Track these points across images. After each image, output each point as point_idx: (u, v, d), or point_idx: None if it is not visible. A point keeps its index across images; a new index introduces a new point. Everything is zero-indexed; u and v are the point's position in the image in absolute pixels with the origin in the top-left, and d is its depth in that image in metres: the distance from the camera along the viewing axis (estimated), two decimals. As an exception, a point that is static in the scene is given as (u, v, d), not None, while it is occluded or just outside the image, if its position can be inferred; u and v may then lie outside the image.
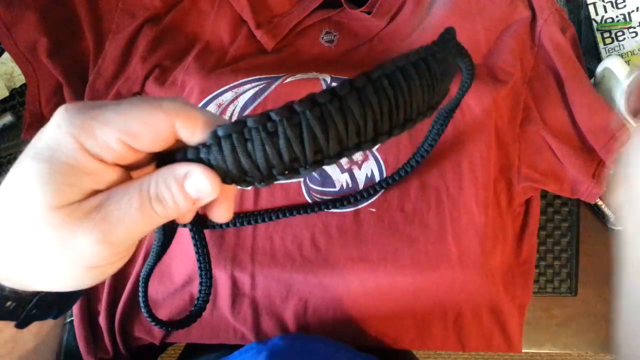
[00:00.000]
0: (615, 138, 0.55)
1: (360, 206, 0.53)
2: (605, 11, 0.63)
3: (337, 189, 0.54)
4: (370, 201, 0.53)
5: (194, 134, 0.22)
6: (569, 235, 0.64)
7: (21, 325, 0.26)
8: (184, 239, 0.53)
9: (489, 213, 0.54)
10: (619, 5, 0.63)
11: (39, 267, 0.22)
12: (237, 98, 0.54)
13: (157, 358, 0.63)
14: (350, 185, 0.54)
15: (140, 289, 0.36)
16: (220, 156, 0.21)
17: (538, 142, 0.58)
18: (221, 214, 0.25)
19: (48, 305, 0.26)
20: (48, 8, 0.59)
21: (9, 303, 0.24)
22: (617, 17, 0.63)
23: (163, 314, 0.54)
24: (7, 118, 0.64)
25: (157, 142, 0.22)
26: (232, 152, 0.21)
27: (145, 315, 0.38)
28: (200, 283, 0.42)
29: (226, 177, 0.22)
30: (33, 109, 0.60)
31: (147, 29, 0.59)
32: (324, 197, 0.54)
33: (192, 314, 0.42)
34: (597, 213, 0.65)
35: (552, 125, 0.59)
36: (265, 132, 0.20)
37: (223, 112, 0.53)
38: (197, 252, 0.47)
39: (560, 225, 0.64)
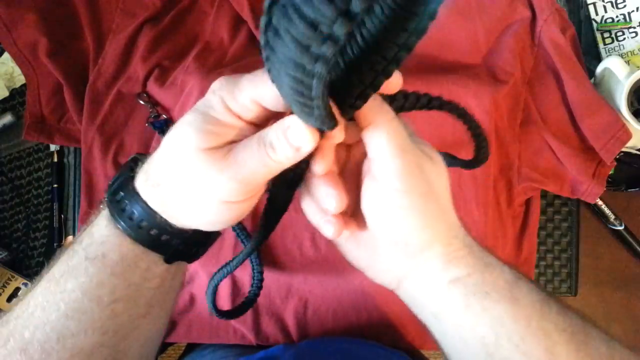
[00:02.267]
0: (616, 138, 0.55)
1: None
2: (605, 11, 0.63)
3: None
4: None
5: None
6: (569, 235, 0.64)
7: (170, 259, 0.31)
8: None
9: (489, 213, 0.54)
10: (619, 5, 0.63)
11: (188, 199, 0.28)
12: (237, 98, 0.54)
13: (157, 358, 0.63)
14: (350, 185, 0.54)
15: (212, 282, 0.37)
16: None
17: (538, 142, 0.58)
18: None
19: (191, 243, 0.31)
20: (48, 8, 0.59)
21: (164, 236, 0.29)
22: (617, 17, 0.63)
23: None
24: (7, 118, 0.64)
25: (278, 101, 0.26)
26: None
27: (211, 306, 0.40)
28: (253, 269, 0.45)
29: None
30: (33, 110, 0.60)
31: (147, 29, 0.59)
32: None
33: (247, 302, 0.44)
34: (597, 213, 0.65)
35: (552, 125, 0.59)
36: None
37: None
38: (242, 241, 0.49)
39: (560, 225, 0.64)
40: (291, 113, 0.26)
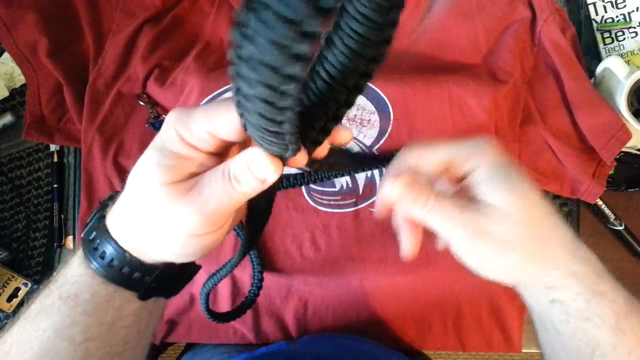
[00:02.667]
0: (616, 138, 0.55)
1: (360, 206, 0.53)
2: (605, 11, 0.63)
3: (337, 189, 0.54)
4: (370, 201, 0.53)
5: None
6: (569, 235, 0.64)
7: (144, 296, 0.30)
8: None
9: (489, 213, 0.54)
10: (619, 5, 0.63)
11: (154, 234, 0.28)
12: (237, 98, 0.54)
13: (157, 358, 0.63)
14: (350, 186, 0.54)
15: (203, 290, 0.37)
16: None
17: (538, 142, 0.58)
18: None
19: (165, 278, 0.31)
20: (48, 8, 0.59)
21: (136, 274, 0.29)
22: (617, 17, 0.63)
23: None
24: (7, 118, 0.64)
25: (233, 132, 0.26)
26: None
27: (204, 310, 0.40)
28: (253, 269, 0.47)
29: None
30: (33, 110, 0.60)
31: (147, 29, 0.59)
32: (324, 197, 0.54)
33: (245, 304, 0.44)
34: (597, 213, 0.65)
35: (552, 125, 0.59)
36: None
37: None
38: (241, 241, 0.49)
39: (560, 225, 0.64)
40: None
